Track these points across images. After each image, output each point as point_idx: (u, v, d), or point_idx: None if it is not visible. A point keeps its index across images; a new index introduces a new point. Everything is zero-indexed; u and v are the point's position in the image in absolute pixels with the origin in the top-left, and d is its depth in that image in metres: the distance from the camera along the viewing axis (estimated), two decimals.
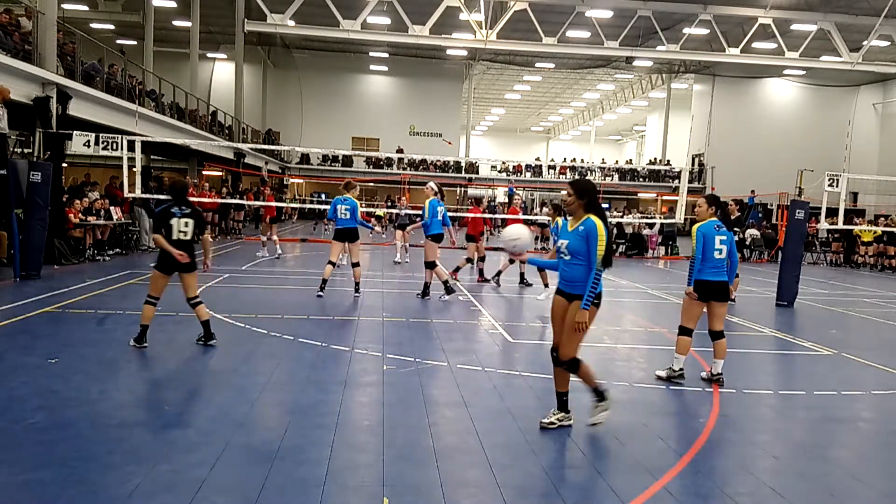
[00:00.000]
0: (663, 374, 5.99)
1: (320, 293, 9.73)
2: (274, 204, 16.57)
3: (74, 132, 12.82)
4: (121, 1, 28.61)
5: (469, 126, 43.37)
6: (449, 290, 9.94)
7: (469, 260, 12.46)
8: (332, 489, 3.50)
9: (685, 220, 19.91)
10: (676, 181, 36.93)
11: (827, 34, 28.63)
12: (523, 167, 40.71)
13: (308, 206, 33.73)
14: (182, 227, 6.16)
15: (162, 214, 6.22)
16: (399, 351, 6.62)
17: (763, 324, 9.21)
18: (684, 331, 5.90)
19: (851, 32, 28.84)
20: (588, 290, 4.35)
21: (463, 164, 39.32)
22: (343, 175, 36.77)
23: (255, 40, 34.23)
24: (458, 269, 12.14)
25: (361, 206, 10.34)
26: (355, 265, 9.89)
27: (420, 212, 10.81)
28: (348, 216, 9.80)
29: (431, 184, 10.72)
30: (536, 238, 20.79)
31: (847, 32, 28.67)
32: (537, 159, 44.19)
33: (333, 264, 9.96)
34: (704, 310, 5.99)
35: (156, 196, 15.58)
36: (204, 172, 29.65)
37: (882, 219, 22.49)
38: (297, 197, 38.58)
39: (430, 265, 10.00)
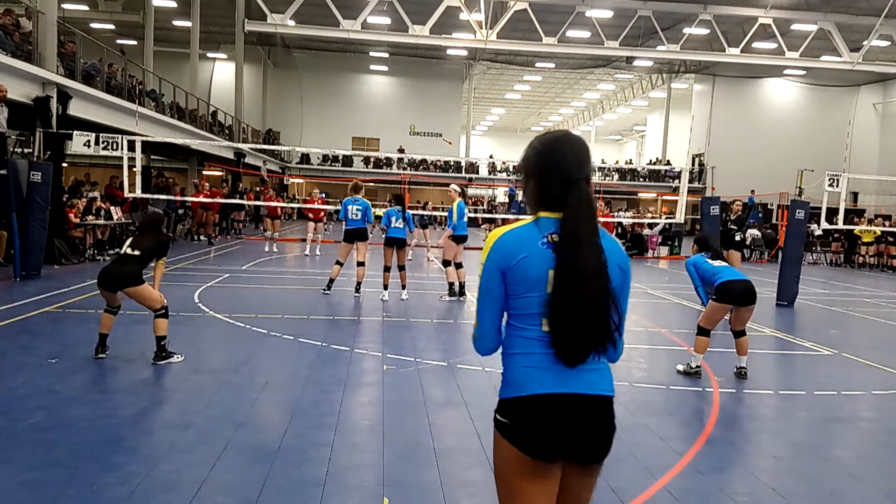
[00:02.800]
0: (682, 368, 6.20)
1: (326, 291, 9.93)
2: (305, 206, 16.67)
3: (74, 132, 12.82)
4: (121, 1, 28.60)
5: (469, 126, 43.39)
6: (452, 292, 10.17)
7: None
8: (332, 489, 3.50)
9: (685, 220, 19.91)
10: (676, 181, 36.94)
11: (827, 34, 28.64)
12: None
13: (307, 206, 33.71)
14: (129, 244, 5.90)
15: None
16: (399, 351, 6.62)
17: (763, 324, 9.21)
18: (702, 331, 6.06)
19: (851, 32, 28.84)
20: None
21: (463, 164, 39.35)
22: (343, 175, 36.88)
23: (255, 40, 34.22)
24: None
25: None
26: (360, 264, 9.95)
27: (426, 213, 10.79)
28: (360, 217, 9.91)
29: (455, 186, 10.74)
30: None
31: (847, 32, 28.67)
32: (491, 156, 44.36)
33: (341, 264, 10.01)
34: (727, 317, 6.25)
35: (156, 196, 15.61)
36: (204, 172, 29.66)
37: (881, 219, 22.50)
38: (296, 197, 38.59)
39: (446, 263, 10.29)
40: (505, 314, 1.99)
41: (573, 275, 1.81)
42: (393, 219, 9.84)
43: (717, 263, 6.18)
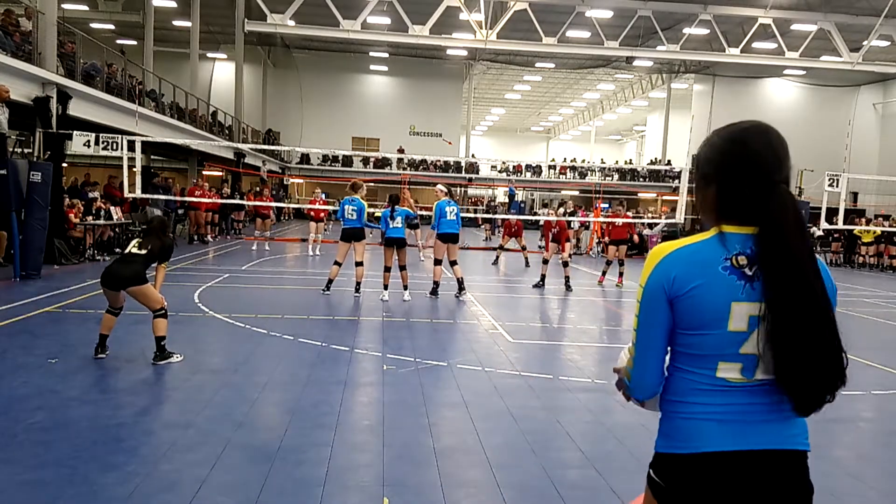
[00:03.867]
0: None
1: (326, 291, 9.96)
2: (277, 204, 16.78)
3: (74, 132, 12.82)
4: (121, 1, 28.61)
5: (469, 126, 43.40)
6: (434, 291, 10.30)
7: (545, 261, 12.20)
8: (332, 489, 3.50)
9: (685, 219, 19.90)
10: (676, 181, 36.92)
11: (827, 34, 28.63)
12: (523, 167, 40.77)
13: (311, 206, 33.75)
14: (135, 244, 6.00)
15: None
16: (399, 351, 6.62)
17: None
18: None
19: (851, 32, 28.83)
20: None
21: (463, 164, 39.37)
22: (343, 175, 36.87)
23: (255, 40, 34.22)
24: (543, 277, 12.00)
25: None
26: (358, 264, 9.98)
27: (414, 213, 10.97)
28: (355, 217, 10.01)
29: (440, 186, 10.81)
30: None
31: (847, 32, 28.67)
32: (473, 154, 44.28)
33: (339, 264, 10.03)
34: None
35: (156, 196, 15.61)
36: (204, 172, 29.65)
37: (881, 219, 22.50)
38: (296, 197, 38.62)
39: (436, 262, 10.43)
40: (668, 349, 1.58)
41: (798, 308, 1.41)
42: (390, 219, 9.86)
43: None
